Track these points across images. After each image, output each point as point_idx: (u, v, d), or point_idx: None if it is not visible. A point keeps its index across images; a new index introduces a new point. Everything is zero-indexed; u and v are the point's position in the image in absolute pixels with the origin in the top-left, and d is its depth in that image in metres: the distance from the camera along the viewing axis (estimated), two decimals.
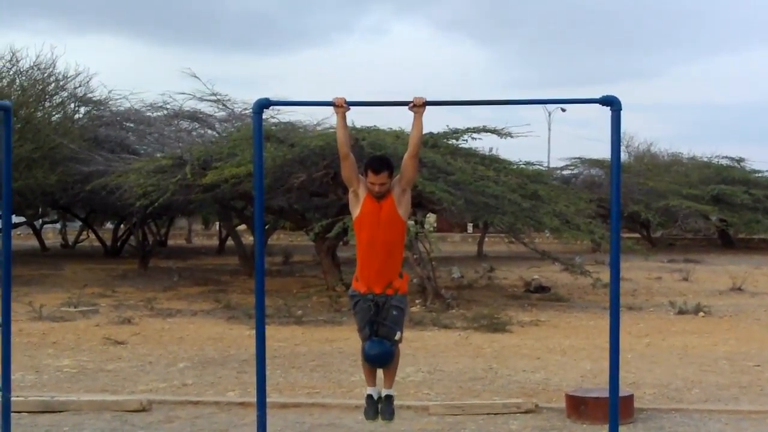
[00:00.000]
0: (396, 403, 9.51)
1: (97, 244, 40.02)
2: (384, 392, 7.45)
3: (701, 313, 17.76)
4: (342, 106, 7.13)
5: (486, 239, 39.51)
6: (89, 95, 29.92)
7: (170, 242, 45.00)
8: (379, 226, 7.13)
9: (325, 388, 10.66)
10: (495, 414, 9.18)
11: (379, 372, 7.45)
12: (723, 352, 13.40)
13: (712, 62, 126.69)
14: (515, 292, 21.88)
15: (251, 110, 7.28)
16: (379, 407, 7.42)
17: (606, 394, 7.24)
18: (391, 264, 7.30)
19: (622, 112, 6.68)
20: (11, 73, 27.18)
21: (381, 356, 7.20)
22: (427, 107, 7.14)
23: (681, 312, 17.92)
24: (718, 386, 10.78)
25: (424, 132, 20.75)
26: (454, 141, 21.71)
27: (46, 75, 27.73)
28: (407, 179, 7.21)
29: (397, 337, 7.29)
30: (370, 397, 7.47)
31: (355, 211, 7.22)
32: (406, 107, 7.18)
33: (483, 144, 35.96)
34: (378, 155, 7.79)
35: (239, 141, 21.03)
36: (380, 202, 7.12)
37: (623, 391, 8.39)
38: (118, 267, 29.81)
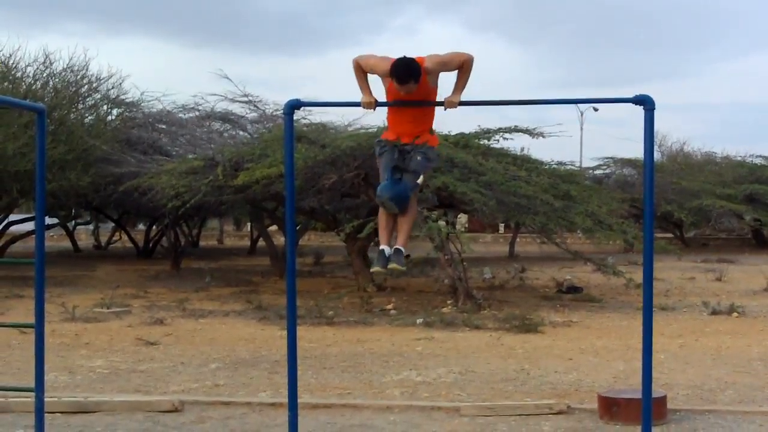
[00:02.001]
0: (427, 403, 9.55)
1: (129, 245, 40.22)
2: (395, 247, 7.33)
3: (735, 314, 17.62)
4: (371, 108, 7.12)
5: (518, 240, 39.40)
6: (122, 97, 30.09)
7: (202, 243, 45.19)
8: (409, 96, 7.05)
9: (357, 388, 10.65)
10: (527, 415, 9.14)
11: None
12: (757, 353, 13.29)
13: (746, 61, 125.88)
14: (547, 292, 21.79)
15: (282, 111, 7.28)
16: (390, 258, 7.31)
17: (639, 395, 7.20)
18: (421, 123, 7.23)
19: (655, 111, 6.63)
20: (45, 75, 27.35)
21: (392, 196, 7.11)
22: (465, 105, 7.14)
23: (714, 312, 17.79)
24: (752, 387, 10.69)
25: (455, 133, 20.80)
26: (485, 141, 21.68)
27: (79, 77, 27.87)
28: (446, 64, 7.07)
29: (419, 181, 7.22)
30: (381, 251, 7.36)
31: (385, 86, 7.12)
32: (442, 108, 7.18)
33: (515, 144, 35.98)
34: (404, 59, 6.95)
35: (270, 142, 21.08)
36: (412, 93, 7.01)
37: (656, 392, 8.33)
38: (151, 268, 29.95)
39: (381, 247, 7.40)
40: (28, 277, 20.53)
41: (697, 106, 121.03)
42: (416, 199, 7.48)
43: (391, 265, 7.31)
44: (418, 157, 7.20)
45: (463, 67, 7.10)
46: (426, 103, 7.18)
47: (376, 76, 7.15)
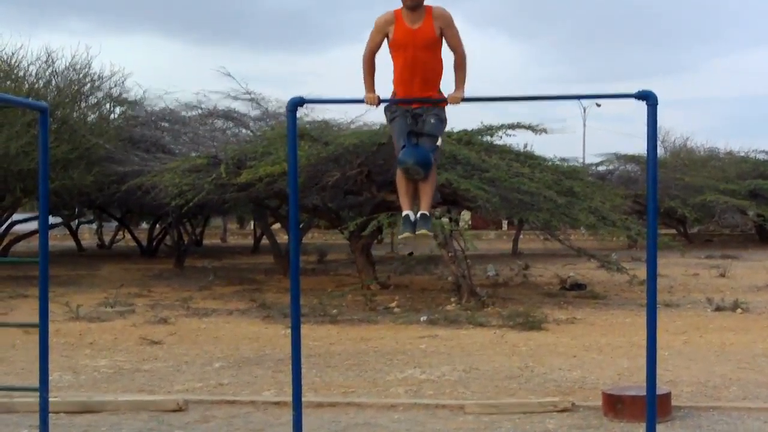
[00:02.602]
0: (431, 401, 9.55)
1: (133, 243, 40.26)
2: (420, 212, 7.35)
3: (739, 310, 17.60)
4: (373, 104, 7.14)
5: (521, 236, 39.41)
6: (124, 95, 30.10)
7: (205, 241, 45.24)
8: (416, 48, 7.07)
9: (361, 387, 10.65)
10: (531, 413, 9.13)
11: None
12: (761, 349, 13.27)
13: (748, 55, 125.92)
14: (551, 289, 21.78)
15: (285, 108, 7.27)
16: (417, 224, 7.35)
17: (643, 392, 7.20)
18: (429, 83, 7.23)
19: (658, 106, 6.62)
20: (47, 74, 27.34)
21: (418, 161, 7.12)
22: (469, 101, 7.16)
23: (718, 309, 17.77)
24: (756, 384, 10.67)
25: (458, 130, 20.79)
26: (488, 138, 21.67)
27: (81, 75, 27.86)
28: (451, 28, 7.16)
29: (439, 143, 7.23)
30: (407, 216, 7.39)
31: (389, 38, 7.16)
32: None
33: (518, 140, 35.92)
34: None
35: (273, 140, 21.08)
36: (416, 26, 7.06)
37: (660, 389, 8.33)
38: (154, 267, 29.97)
39: (405, 212, 7.40)
40: (31, 276, 20.55)
41: (700, 102, 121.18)
42: (437, 163, 7.47)
43: (420, 231, 7.33)
44: (432, 120, 7.21)
45: (459, 60, 7.18)
46: (430, 101, 7.20)
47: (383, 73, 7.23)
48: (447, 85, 7.28)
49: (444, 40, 7.17)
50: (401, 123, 7.23)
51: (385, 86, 7.28)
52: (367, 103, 7.17)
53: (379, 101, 7.16)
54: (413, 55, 7.07)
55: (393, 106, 7.28)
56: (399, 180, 7.37)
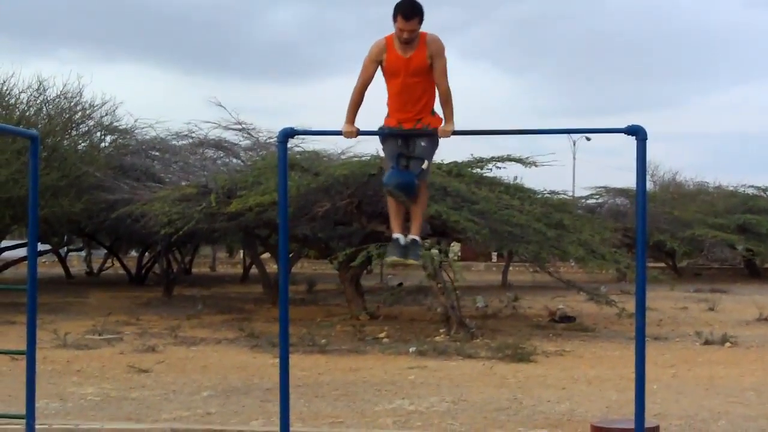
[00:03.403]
0: None
1: (121, 271, 40.16)
2: (410, 237, 7.36)
3: (728, 344, 17.61)
4: (351, 137, 7.22)
5: (510, 268, 39.40)
6: (115, 124, 30.12)
7: (194, 270, 45.14)
8: (407, 74, 7.08)
9: (349, 417, 10.62)
10: None
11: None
12: (750, 383, 13.28)
13: (737, 91, 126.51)
14: (540, 321, 21.77)
15: (276, 139, 7.31)
16: (407, 249, 7.34)
17: (632, 425, 7.19)
18: (421, 106, 7.24)
19: (647, 141, 6.67)
20: (38, 102, 27.37)
21: (401, 185, 7.13)
22: (459, 134, 7.21)
23: (707, 342, 17.78)
24: (744, 417, 10.67)
25: (448, 162, 20.87)
26: (478, 170, 21.74)
27: (72, 104, 27.90)
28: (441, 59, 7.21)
29: (424, 166, 7.23)
30: (396, 240, 7.39)
31: (383, 65, 7.21)
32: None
33: (508, 173, 35.97)
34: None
35: (264, 169, 21.10)
36: (408, 55, 7.09)
37: (649, 421, 8.31)
38: (143, 295, 29.88)
39: (395, 235, 7.40)
40: (20, 303, 20.47)
41: (689, 136, 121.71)
42: (426, 185, 7.47)
43: (409, 261, 7.35)
44: (423, 143, 7.23)
45: (444, 97, 7.23)
46: (422, 132, 7.23)
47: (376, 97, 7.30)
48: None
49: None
50: (391, 145, 7.27)
51: (377, 109, 7.32)
52: (344, 136, 7.22)
53: (358, 133, 7.21)
54: (404, 82, 7.12)
55: (385, 126, 7.32)
56: (390, 202, 7.41)
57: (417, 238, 7.37)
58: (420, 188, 7.29)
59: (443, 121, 7.24)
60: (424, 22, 7.10)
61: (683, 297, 29.45)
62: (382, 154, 7.80)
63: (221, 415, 10.73)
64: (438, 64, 7.16)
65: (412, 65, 7.08)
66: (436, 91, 7.30)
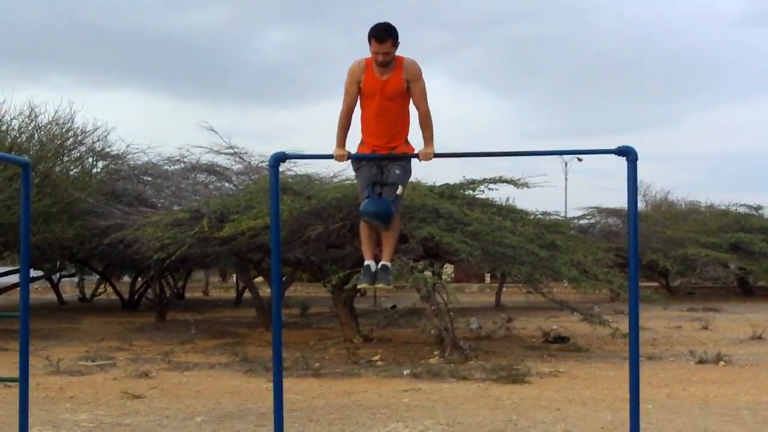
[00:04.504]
0: None
1: (114, 297, 40.06)
2: (381, 263, 7.44)
3: (722, 363, 17.61)
4: (342, 160, 7.28)
5: (504, 289, 39.39)
6: (107, 149, 30.06)
7: (187, 295, 45.04)
8: (383, 97, 7.12)
9: None
10: None
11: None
12: (745, 401, 13.28)
13: (729, 110, 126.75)
14: (534, 342, 21.76)
15: (268, 164, 7.34)
16: (377, 275, 7.39)
17: None
18: (396, 132, 7.30)
19: (638, 161, 6.69)
20: (30, 128, 27.33)
21: (378, 213, 7.20)
22: (442, 157, 7.24)
23: (701, 361, 17.78)
24: None
25: (440, 183, 20.91)
26: (470, 192, 21.75)
27: (64, 130, 27.86)
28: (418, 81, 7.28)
29: (399, 192, 7.27)
30: (367, 266, 7.48)
31: (360, 87, 7.27)
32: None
33: (500, 194, 36.03)
34: (382, 23, 7.25)
35: (256, 193, 21.11)
36: (384, 78, 7.13)
37: None
38: (136, 320, 29.80)
39: (366, 262, 7.49)
40: (12, 330, 20.42)
41: (681, 156, 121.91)
42: (399, 212, 7.54)
43: (379, 285, 7.40)
44: (397, 171, 7.30)
45: (422, 118, 7.30)
46: (400, 156, 7.28)
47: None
48: (416, 137, 7.38)
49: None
50: (366, 172, 7.34)
51: (354, 135, 7.37)
52: (336, 160, 7.27)
53: (349, 157, 7.27)
54: (380, 104, 7.18)
55: (359, 154, 7.36)
56: (362, 229, 7.48)
57: (388, 264, 7.44)
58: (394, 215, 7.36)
59: (424, 145, 7.30)
60: (405, 45, 7.20)
61: (677, 316, 29.46)
62: None
63: None
64: (416, 88, 7.23)
65: (389, 88, 7.14)
66: (410, 118, 7.37)
